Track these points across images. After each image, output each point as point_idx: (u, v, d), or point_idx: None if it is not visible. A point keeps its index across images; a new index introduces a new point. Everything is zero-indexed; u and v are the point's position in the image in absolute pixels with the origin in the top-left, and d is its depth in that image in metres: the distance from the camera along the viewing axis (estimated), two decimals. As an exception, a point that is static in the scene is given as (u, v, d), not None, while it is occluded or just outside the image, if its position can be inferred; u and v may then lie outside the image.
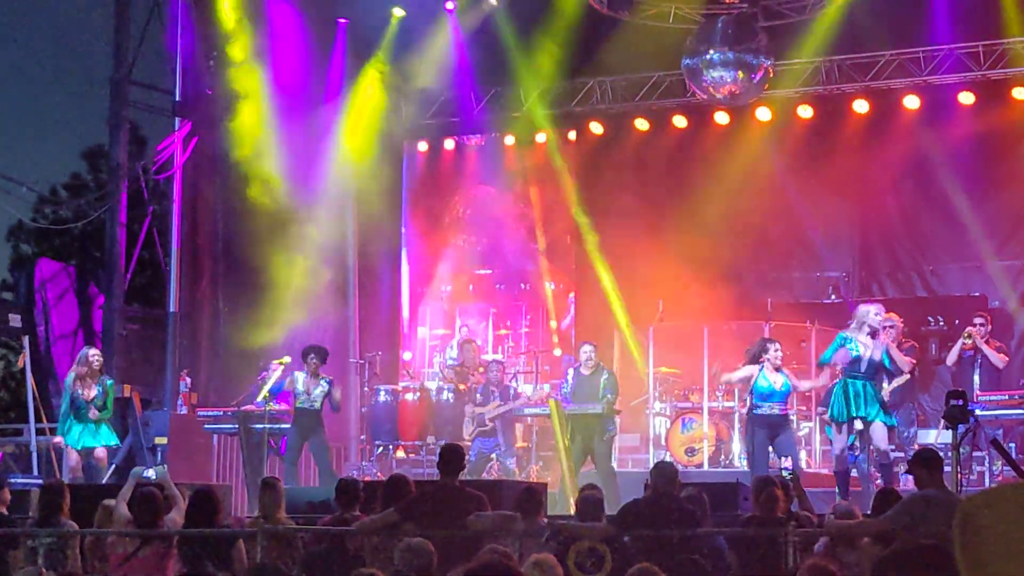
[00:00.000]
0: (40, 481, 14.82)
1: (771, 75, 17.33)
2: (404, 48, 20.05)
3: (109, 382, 15.65)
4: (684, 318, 17.86)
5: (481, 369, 17.62)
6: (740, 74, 16.89)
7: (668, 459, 15.18)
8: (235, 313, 19.61)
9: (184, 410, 17.77)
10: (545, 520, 10.17)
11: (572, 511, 11.66)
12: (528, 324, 20.92)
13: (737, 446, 16.67)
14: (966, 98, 18.24)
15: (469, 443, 16.61)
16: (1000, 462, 14.44)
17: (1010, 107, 18.11)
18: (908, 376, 15.38)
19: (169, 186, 20.08)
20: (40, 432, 16.91)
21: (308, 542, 10.29)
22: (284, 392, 15.83)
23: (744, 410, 15.13)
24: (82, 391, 15.36)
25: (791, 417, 14.80)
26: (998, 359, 15.46)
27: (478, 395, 17.08)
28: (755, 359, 14.34)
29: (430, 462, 17.44)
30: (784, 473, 11.62)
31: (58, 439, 15.73)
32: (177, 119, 20.07)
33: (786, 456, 13.65)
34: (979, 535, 3.45)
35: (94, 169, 31.63)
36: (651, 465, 12.61)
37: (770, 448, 14.15)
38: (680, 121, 19.74)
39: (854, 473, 13.88)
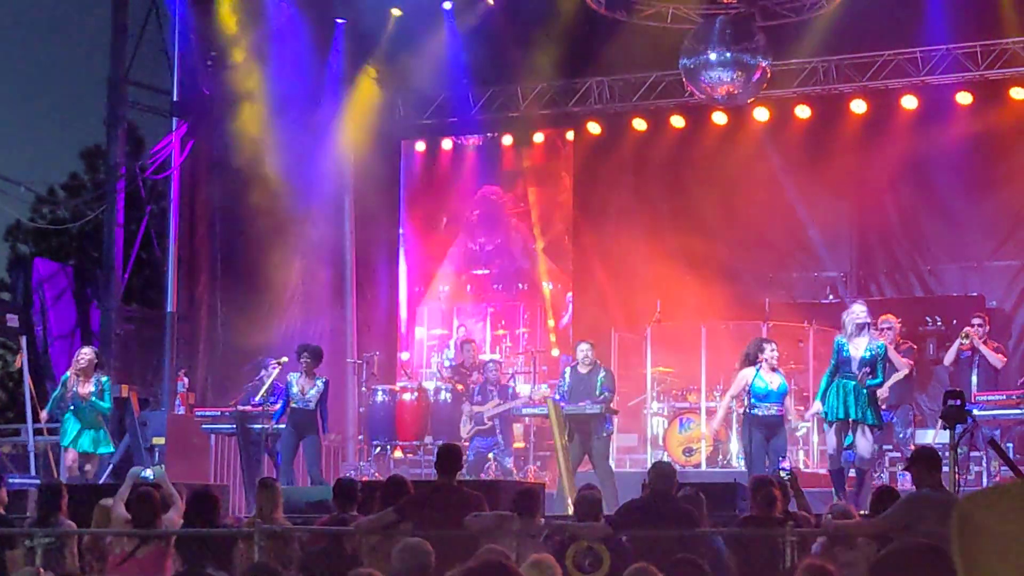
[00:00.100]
0: (37, 481, 14.83)
1: (769, 75, 17.32)
2: (402, 48, 20.04)
3: (105, 379, 15.63)
4: (682, 318, 17.85)
5: (480, 369, 17.62)
6: (738, 74, 16.88)
7: (666, 459, 15.17)
8: (232, 313, 19.63)
9: (182, 410, 17.76)
10: (543, 520, 10.17)
11: (570, 511, 11.67)
12: (526, 324, 20.88)
13: (735, 446, 16.66)
14: (964, 98, 18.22)
15: (467, 443, 16.61)
16: (998, 462, 14.43)
17: (1008, 107, 18.10)
18: (906, 372, 15.40)
19: (167, 186, 20.10)
20: (38, 432, 16.90)
21: (306, 542, 10.30)
22: (279, 390, 15.81)
23: (742, 410, 15.12)
24: (78, 388, 15.36)
25: (789, 418, 14.79)
26: (996, 359, 15.47)
27: (476, 395, 17.09)
28: (751, 360, 14.33)
29: (428, 462, 17.44)
30: (782, 473, 11.61)
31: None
32: (175, 119, 20.08)
33: (782, 457, 13.63)
34: (977, 535, 3.44)
35: (92, 169, 31.62)
36: (649, 465, 12.62)
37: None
38: (678, 121, 19.71)
39: (851, 473, 13.87)
